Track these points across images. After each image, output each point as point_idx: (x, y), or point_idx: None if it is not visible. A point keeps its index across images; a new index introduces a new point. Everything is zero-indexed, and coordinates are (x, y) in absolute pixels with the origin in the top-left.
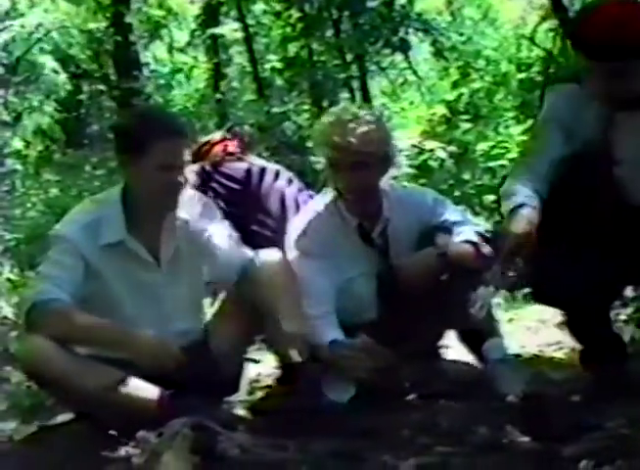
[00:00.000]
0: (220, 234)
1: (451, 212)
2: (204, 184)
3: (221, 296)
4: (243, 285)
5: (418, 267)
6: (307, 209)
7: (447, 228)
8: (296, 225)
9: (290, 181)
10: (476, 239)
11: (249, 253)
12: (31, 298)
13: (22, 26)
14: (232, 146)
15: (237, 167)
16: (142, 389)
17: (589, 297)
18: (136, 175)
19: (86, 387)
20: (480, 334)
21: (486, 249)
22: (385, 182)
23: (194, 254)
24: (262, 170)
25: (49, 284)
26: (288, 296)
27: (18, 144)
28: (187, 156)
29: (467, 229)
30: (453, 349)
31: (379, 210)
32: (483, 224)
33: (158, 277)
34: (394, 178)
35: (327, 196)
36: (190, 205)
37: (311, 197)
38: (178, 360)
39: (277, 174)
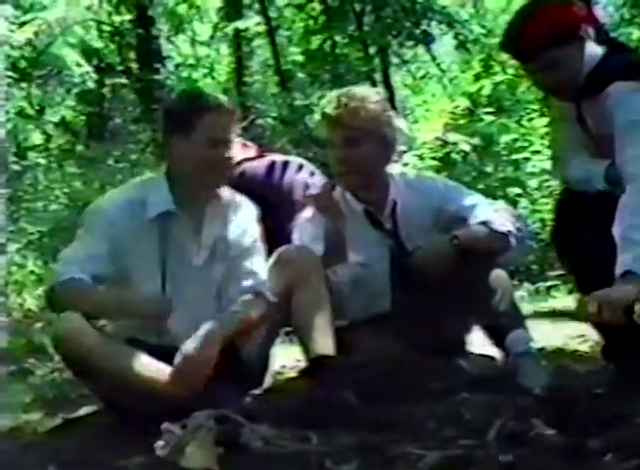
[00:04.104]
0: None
1: (466, 197)
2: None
3: None
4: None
5: (432, 254)
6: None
7: (463, 216)
8: (301, 223)
9: (312, 174)
10: (494, 218)
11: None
12: (50, 282)
13: (45, 20)
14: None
15: (259, 165)
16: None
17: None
18: (183, 153)
19: (112, 367)
20: (501, 328)
21: (504, 227)
22: (392, 168)
23: (228, 254)
24: (285, 163)
25: (67, 265)
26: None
27: (40, 137)
28: (234, 132)
29: (483, 211)
30: (477, 341)
31: (385, 194)
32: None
33: (195, 259)
34: (418, 169)
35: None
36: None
37: None
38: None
39: (300, 167)
